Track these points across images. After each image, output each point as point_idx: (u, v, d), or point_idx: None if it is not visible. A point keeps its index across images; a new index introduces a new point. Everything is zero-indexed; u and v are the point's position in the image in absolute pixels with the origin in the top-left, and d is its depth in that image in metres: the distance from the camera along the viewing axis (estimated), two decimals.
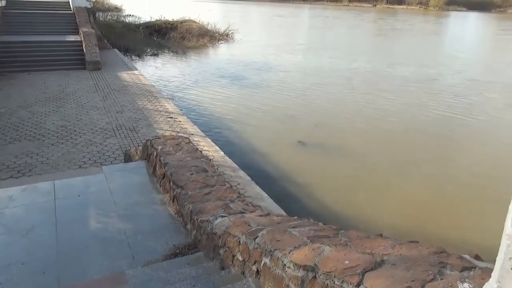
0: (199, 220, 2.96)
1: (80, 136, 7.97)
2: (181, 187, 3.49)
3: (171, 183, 3.63)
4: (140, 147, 5.21)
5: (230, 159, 7.01)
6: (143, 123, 8.97)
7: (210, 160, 4.17)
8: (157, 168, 4.16)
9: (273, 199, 5.77)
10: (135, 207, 3.64)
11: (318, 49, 25.11)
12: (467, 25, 54.10)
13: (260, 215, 2.71)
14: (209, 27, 27.91)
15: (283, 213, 4.80)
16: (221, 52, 23.79)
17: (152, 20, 27.67)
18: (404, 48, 28.02)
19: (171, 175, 3.68)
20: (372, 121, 11.17)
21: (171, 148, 4.27)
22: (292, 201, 6.48)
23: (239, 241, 2.34)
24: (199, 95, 13.20)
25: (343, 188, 7.42)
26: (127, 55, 19.35)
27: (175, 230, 3.30)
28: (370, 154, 8.98)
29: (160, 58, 20.43)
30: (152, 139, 4.55)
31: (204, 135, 8.28)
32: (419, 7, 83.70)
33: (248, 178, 6.32)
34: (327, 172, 7.95)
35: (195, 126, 8.90)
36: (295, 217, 2.55)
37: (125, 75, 13.78)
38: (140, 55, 20.41)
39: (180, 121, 9.20)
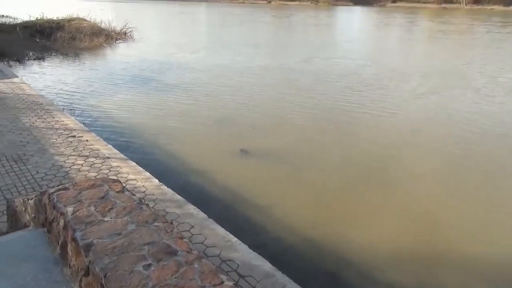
0: None
1: None
2: None
3: None
4: (32, 201, 3.12)
5: (169, 189, 5.12)
6: (33, 148, 6.54)
7: (171, 222, 2.34)
8: (70, 252, 2.21)
9: (246, 243, 4.10)
10: None
11: (224, 47, 23.53)
12: (364, 18, 57.44)
13: None
14: (103, 26, 24.72)
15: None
16: (120, 52, 20.94)
17: (32, 19, 23.46)
18: (311, 42, 27.93)
19: (105, 277, 1.81)
20: (305, 121, 9.93)
21: (93, 208, 2.34)
22: (267, 241, 4.82)
23: None
24: (104, 105, 10.75)
25: (309, 203, 6.04)
26: (3, 61, 15.72)
27: None
28: (315, 155, 7.80)
29: (47, 62, 17.03)
30: (53, 192, 2.54)
31: (125, 157, 6.19)
32: (310, 2, 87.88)
33: (203, 215, 4.53)
34: (287, 186, 6.47)
35: (110, 145, 6.74)
36: None
37: (1, 85, 10.72)
38: (20, 60, 16.77)
39: (87, 140, 6.94)
